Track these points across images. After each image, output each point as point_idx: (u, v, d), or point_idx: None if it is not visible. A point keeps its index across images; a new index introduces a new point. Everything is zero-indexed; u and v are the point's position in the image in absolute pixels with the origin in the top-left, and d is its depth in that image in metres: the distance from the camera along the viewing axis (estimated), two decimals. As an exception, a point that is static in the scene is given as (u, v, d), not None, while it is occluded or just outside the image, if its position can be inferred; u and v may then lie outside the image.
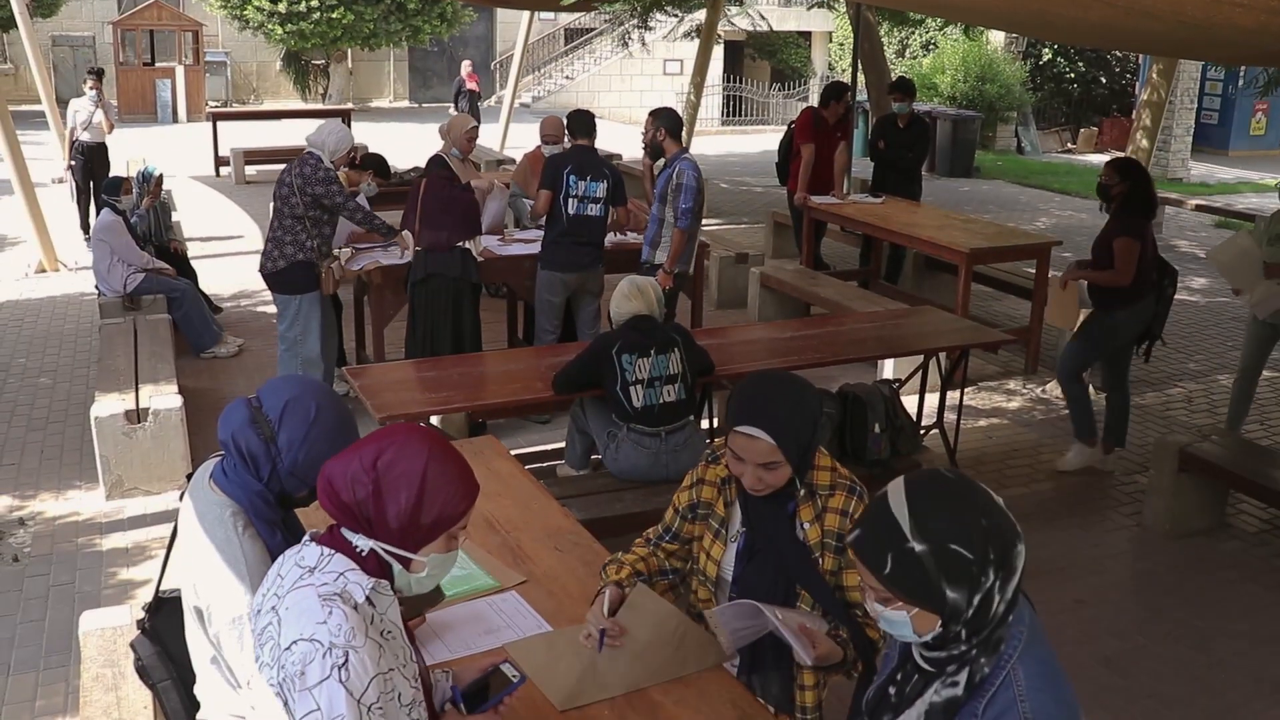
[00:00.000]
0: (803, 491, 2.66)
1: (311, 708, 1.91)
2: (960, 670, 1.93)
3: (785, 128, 11.08)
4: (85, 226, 11.77)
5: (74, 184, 12.15)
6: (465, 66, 22.61)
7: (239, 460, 2.43)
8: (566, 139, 7.48)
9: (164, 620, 2.64)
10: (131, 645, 2.72)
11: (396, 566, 2.09)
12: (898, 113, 10.14)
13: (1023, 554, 1.92)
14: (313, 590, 2.00)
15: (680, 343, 4.97)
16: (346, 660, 1.92)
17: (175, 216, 10.45)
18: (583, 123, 7.15)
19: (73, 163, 11.95)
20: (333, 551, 2.07)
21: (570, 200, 6.86)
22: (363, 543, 2.06)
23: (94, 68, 12.44)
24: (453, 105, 21.85)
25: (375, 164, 8.26)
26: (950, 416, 6.62)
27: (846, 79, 15.04)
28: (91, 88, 11.95)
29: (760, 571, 2.70)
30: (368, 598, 2.02)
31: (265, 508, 2.44)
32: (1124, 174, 6.05)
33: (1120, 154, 19.72)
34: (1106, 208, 6.17)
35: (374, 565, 2.07)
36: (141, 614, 2.76)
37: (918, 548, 1.86)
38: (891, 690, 2.08)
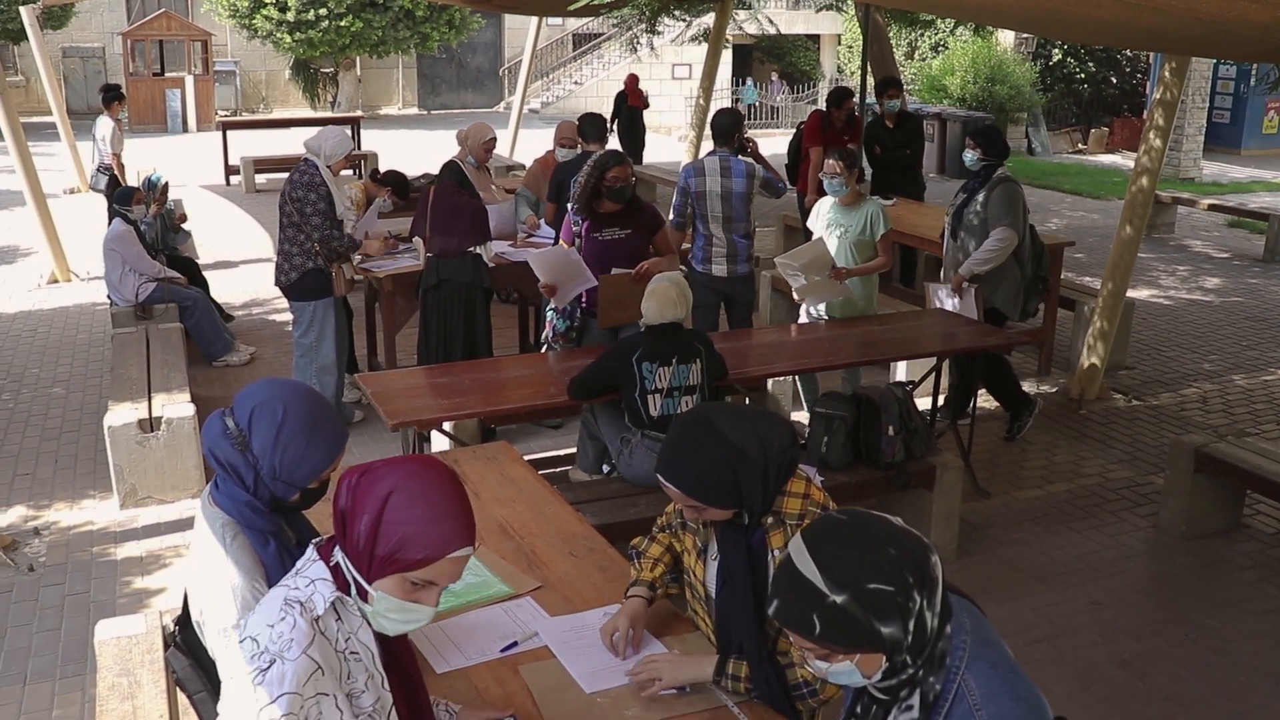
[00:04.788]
0: (770, 519, 2.65)
1: (227, 695, 1.97)
2: (913, 693, 1.94)
3: (796, 129, 11.09)
4: None
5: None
6: (628, 78, 18.33)
7: (224, 472, 2.43)
8: (579, 144, 7.44)
9: (193, 633, 2.64)
10: (166, 660, 2.72)
11: (353, 590, 2.05)
12: (887, 111, 10.18)
13: (938, 564, 1.93)
14: (284, 591, 2.03)
15: (703, 353, 4.93)
16: (269, 667, 1.92)
17: (187, 225, 10.47)
18: (595, 127, 7.08)
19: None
20: (316, 557, 2.08)
21: None
22: (338, 553, 2.06)
23: (113, 85, 12.25)
24: (610, 123, 17.25)
25: (395, 182, 8.30)
26: (964, 418, 6.60)
27: (856, 81, 15.01)
28: (124, 109, 11.77)
29: (733, 599, 2.68)
30: (332, 608, 2.02)
31: (256, 517, 2.42)
32: None
33: (1132, 153, 19.62)
34: None
35: (341, 580, 2.05)
36: (172, 628, 2.75)
37: (839, 599, 1.85)
38: None
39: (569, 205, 6.02)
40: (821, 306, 6.60)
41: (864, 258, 6.54)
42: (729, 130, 6.94)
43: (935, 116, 19.15)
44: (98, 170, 11.61)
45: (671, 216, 6.91)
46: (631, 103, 17.78)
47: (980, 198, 6.61)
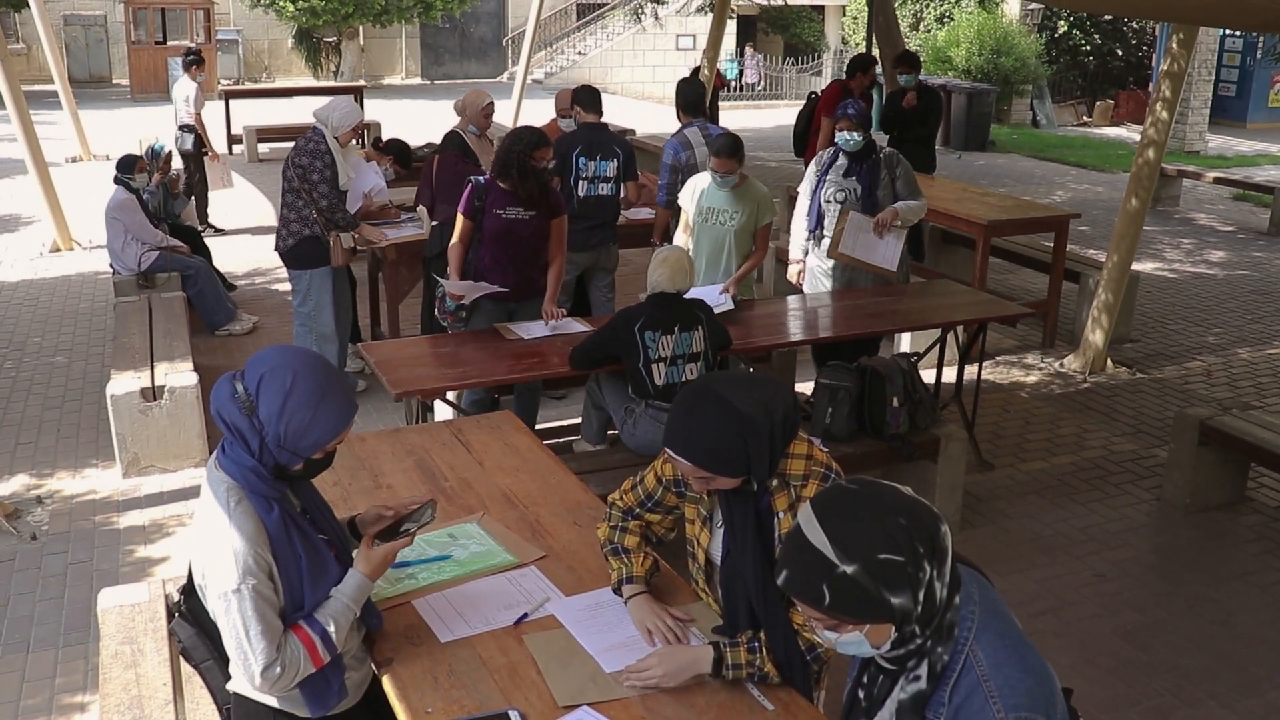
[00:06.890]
0: (775, 482, 2.63)
1: None
2: (920, 663, 1.94)
3: (807, 97, 11.04)
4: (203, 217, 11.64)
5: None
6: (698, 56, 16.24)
7: (231, 436, 2.42)
8: (574, 115, 7.35)
9: (198, 602, 2.64)
10: (171, 629, 2.72)
11: None
12: (905, 86, 10.02)
13: (948, 534, 1.92)
14: None
15: (704, 320, 4.92)
16: None
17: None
18: (590, 98, 7.05)
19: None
20: None
21: (580, 183, 6.77)
22: None
23: (194, 49, 12.31)
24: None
25: (397, 151, 8.28)
26: (968, 390, 6.58)
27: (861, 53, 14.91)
28: (202, 72, 11.86)
29: (740, 565, 2.67)
30: None
31: (260, 483, 2.42)
32: None
33: (1137, 126, 19.50)
34: None
35: None
36: (177, 597, 2.75)
37: (849, 570, 1.83)
38: (860, 693, 2.10)
39: (484, 174, 5.73)
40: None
41: (742, 247, 6.21)
42: (699, 101, 7.01)
43: (940, 88, 19.04)
44: (180, 130, 11.62)
45: (661, 195, 6.92)
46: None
47: (884, 176, 6.36)
